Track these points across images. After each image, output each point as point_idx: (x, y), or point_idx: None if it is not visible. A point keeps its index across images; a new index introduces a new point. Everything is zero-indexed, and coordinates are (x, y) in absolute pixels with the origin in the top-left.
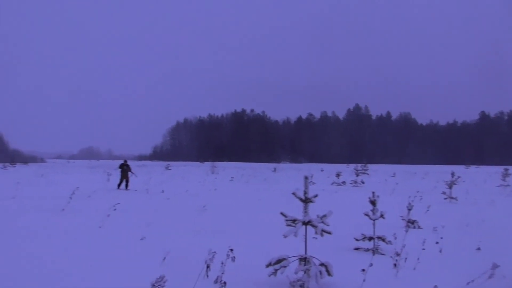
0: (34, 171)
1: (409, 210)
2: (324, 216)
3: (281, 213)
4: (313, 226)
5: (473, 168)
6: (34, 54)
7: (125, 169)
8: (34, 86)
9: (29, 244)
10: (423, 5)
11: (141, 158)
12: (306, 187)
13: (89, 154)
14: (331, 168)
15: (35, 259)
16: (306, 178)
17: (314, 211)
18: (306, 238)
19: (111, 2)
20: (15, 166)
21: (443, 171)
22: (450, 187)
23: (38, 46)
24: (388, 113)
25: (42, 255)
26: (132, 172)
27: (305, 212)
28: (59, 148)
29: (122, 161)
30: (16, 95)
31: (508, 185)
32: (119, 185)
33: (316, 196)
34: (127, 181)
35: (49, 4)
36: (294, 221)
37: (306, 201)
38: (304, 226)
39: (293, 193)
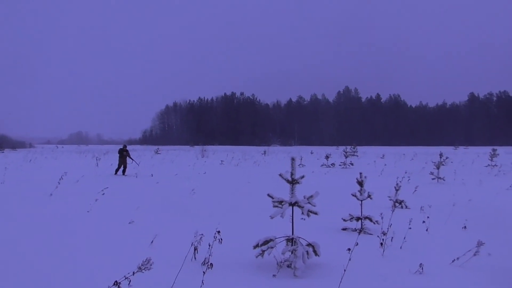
0: (23, 157)
1: (397, 190)
2: (311, 196)
3: (268, 195)
4: (299, 207)
5: (461, 149)
6: (23, 39)
7: (124, 154)
8: (21, 71)
9: (16, 229)
10: None
11: (130, 142)
12: (293, 168)
13: (78, 139)
14: (321, 150)
15: (22, 244)
16: (293, 159)
17: (304, 192)
18: (293, 219)
19: None
20: (3, 152)
21: (432, 152)
22: (438, 168)
23: (28, 32)
24: (378, 96)
25: (29, 241)
26: (131, 159)
27: (292, 193)
28: (48, 133)
29: (121, 146)
30: (4, 80)
31: (496, 165)
32: (116, 170)
33: (303, 177)
34: (124, 167)
35: None
36: (281, 202)
37: (292, 182)
38: (290, 207)
39: (280, 175)
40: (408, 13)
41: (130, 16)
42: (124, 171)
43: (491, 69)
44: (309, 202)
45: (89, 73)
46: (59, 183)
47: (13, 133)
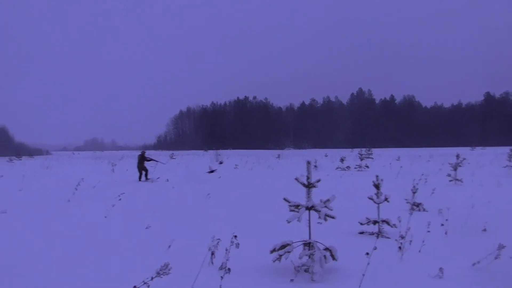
0: (40, 164)
1: (414, 193)
2: (327, 200)
3: (285, 199)
4: (316, 210)
5: (478, 149)
6: (37, 47)
7: (143, 160)
8: (37, 79)
9: (35, 236)
10: None
11: (145, 148)
12: (308, 172)
13: (94, 145)
14: (335, 153)
15: (41, 250)
16: (308, 163)
17: (319, 196)
18: (310, 223)
19: None
20: (21, 159)
21: (449, 153)
22: (455, 169)
23: (42, 39)
24: (392, 97)
25: (48, 247)
26: (156, 161)
27: (308, 197)
28: (64, 140)
29: (139, 152)
30: (20, 88)
31: None
32: (142, 176)
33: (319, 181)
34: (146, 172)
35: None
36: (297, 206)
37: (308, 186)
38: (307, 211)
39: (296, 179)
40: (422, 12)
41: (143, 22)
42: (140, 177)
43: (508, 68)
44: (326, 206)
45: (103, 80)
46: (76, 189)
47: (30, 140)
